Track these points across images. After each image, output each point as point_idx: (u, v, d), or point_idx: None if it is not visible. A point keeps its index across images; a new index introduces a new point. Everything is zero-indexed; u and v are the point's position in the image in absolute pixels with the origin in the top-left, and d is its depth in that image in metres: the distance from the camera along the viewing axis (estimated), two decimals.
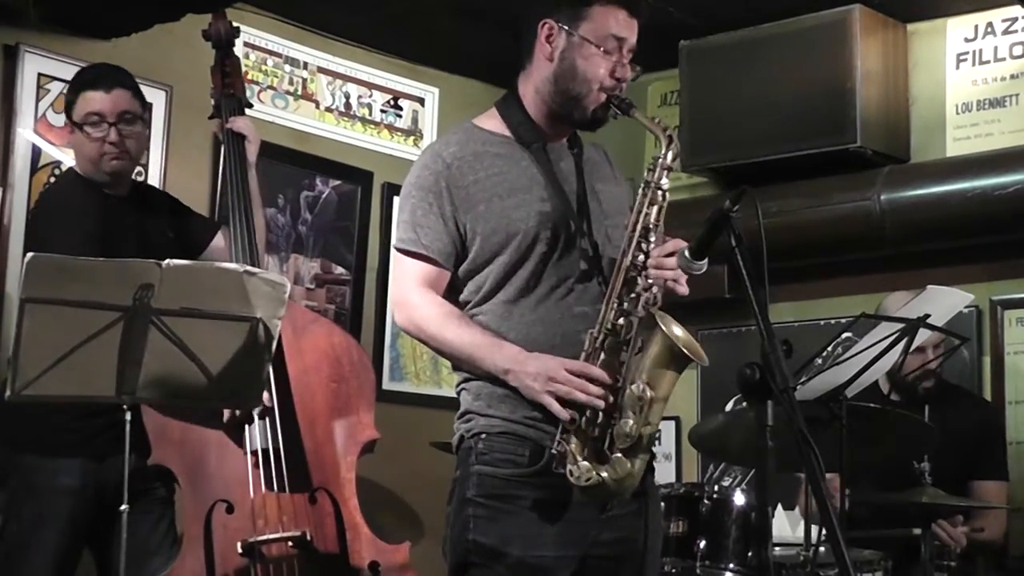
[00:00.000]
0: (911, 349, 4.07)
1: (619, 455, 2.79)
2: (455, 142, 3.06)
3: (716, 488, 4.17)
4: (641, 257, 2.88)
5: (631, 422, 2.78)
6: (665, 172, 2.94)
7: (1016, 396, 5.24)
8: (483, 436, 2.92)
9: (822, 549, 3.76)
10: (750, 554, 4.01)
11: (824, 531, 2.50)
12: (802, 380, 3.89)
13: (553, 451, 2.82)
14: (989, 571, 5.02)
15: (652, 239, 2.90)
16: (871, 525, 4.38)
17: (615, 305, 2.86)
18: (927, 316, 3.93)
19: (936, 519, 4.18)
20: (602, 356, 2.85)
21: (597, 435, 2.81)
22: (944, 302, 4.07)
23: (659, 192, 2.92)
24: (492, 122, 3.10)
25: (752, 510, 4.02)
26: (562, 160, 3.06)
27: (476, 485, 2.90)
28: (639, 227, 2.90)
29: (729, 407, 4.89)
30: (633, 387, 2.80)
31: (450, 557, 2.94)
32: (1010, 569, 5.13)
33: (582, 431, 2.81)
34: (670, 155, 2.94)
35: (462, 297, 3.00)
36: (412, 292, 2.99)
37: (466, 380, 2.98)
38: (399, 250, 3.03)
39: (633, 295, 2.86)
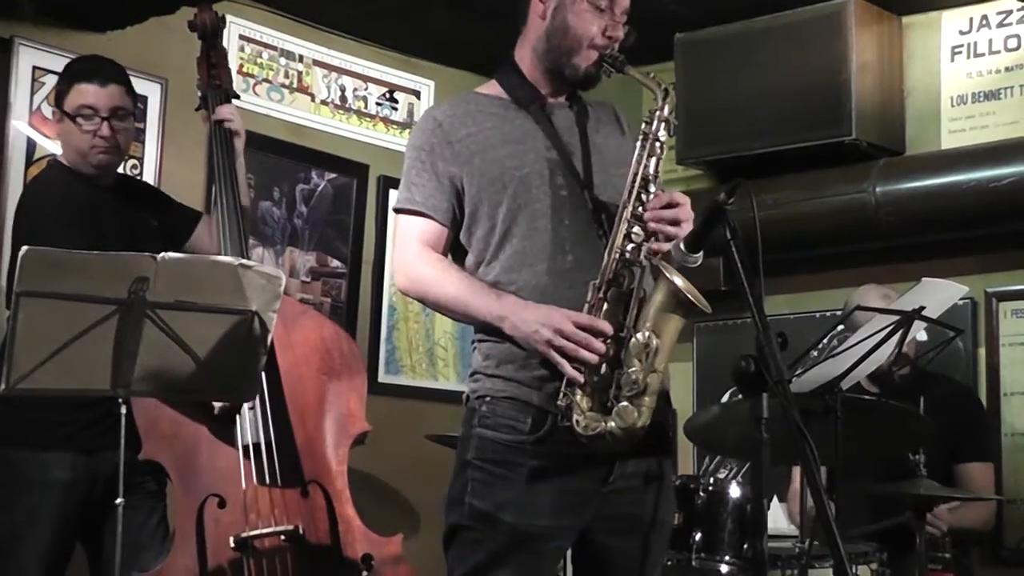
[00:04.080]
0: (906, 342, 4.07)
1: (625, 403, 2.79)
2: (448, 103, 3.13)
3: (712, 480, 4.17)
4: (641, 208, 2.89)
5: (637, 369, 2.79)
6: (663, 124, 2.96)
7: (1011, 388, 5.25)
8: (487, 399, 2.93)
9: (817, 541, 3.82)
10: (745, 546, 4.01)
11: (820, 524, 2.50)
12: (797, 372, 3.89)
13: (559, 403, 2.82)
14: (984, 562, 5.03)
15: (652, 190, 2.91)
16: (866, 519, 4.39)
17: (617, 255, 2.87)
18: (922, 308, 3.93)
19: (931, 511, 4.18)
20: (605, 306, 2.85)
21: (603, 385, 2.82)
22: (939, 294, 4.07)
23: (657, 144, 2.95)
24: (490, 88, 3.15)
25: (747, 502, 4.02)
26: (560, 116, 3.08)
27: (476, 448, 2.91)
28: (639, 178, 2.92)
29: (724, 399, 4.89)
30: (638, 335, 2.81)
31: (446, 517, 2.95)
32: (1005, 560, 5.14)
33: (588, 382, 2.82)
34: (667, 107, 2.97)
35: (470, 258, 3.00)
36: (410, 251, 3.00)
37: (480, 340, 2.98)
38: (397, 211, 3.06)
39: (634, 245, 2.87)
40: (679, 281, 2.80)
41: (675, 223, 2.87)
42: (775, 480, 4.84)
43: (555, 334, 2.81)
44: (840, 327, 4.31)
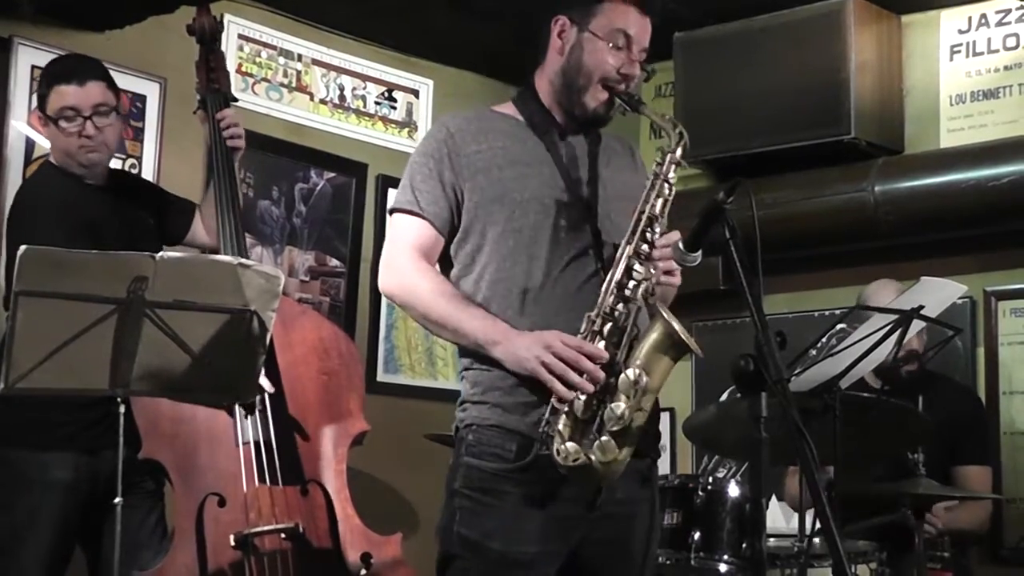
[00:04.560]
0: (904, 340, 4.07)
1: (608, 438, 2.78)
2: (464, 116, 3.10)
3: (710, 479, 4.17)
4: (644, 246, 2.89)
5: (623, 406, 2.77)
6: (673, 166, 2.96)
7: (1009, 387, 5.25)
8: (473, 428, 2.92)
9: (816, 540, 3.81)
10: (744, 545, 4.01)
11: (818, 522, 2.50)
12: (796, 371, 3.89)
13: (540, 431, 2.81)
14: (983, 561, 5.03)
15: (656, 229, 2.91)
16: (865, 518, 4.39)
17: (615, 291, 2.87)
18: (921, 307, 3.93)
19: (930, 510, 4.18)
20: (599, 339, 2.85)
21: (587, 417, 2.81)
22: (938, 293, 4.07)
23: (666, 185, 2.95)
24: (507, 108, 3.13)
25: (746, 501, 4.02)
26: (573, 146, 3.07)
27: (463, 477, 2.91)
28: (644, 217, 2.91)
29: (723, 398, 4.89)
30: (629, 372, 2.80)
31: (439, 545, 2.95)
32: (1003, 559, 5.14)
33: (572, 412, 2.80)
34: (679, 150, 2.97)
35: (455, 271, 3.00)
36: (405, 256, 2.98)
37: (467, 368, 2.98)
38: (395, 211, 3.03)
39: (634, 283, 2.87)
40: (675, 323, 2.81)
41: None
42: (774, 479, 4.85)
43: (545, 350, 2.80)
44: (840, 325, 4.30)
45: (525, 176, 2.98)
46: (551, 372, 2.79)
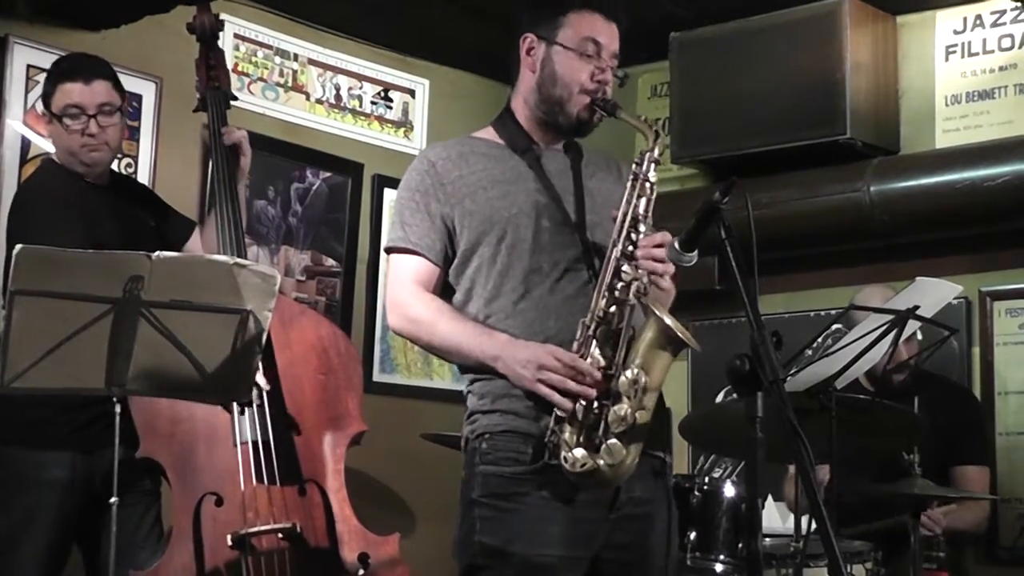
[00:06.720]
0: (900, 341, 4.07)
1: (614, 441, 2.79)
2: (443, 145, 3.15)
3: (706, 479, 4.17)
4: (631, 247, 2.91)
5: (625, 406, 2.80)
6: (653, 165, 2.98)
7: (1005, 387, 5.25)
8: (486, 436, 2.94)
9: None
10: (740, 545, 4.02)
11: (814, 522, 2.50)
12: (792, 371, 3.89)
13: (547, 440, 2.83)
14: (979, 561, 5.03)
15: (642, 229, 2.93)
16: (861, 518, 4.39)
17: (606, 294, 2.89)
18: (916, 307, 3.93)
19: (925, 510, 4.19)
20: (594, 344, 2.86)
21: (591, 422, 2.82)
22: (933, 293, 4.07)
23: (647, 184, 2.97)
24: (486, 133, 3.17)
25: (742, 501, 4.02)
26: (555, 162, 3.11)
27: (481, 485, 2.92)
28: (628, 218, 2.93)
29: (719, 398, 4.89)
30: (628, 372, 2.82)
31: (459, 561, 2.95)
32: (999, 558, 5.14)
33: (576, 419, 2.82)
34: (657, 149, 2.99)
35: (458, 296, 3.04)
36: (404, 291, 3.03)
37: (472, 382, 3.00)
38: (389, 250, 3.09)
39: (624, 284, 2.88)
40: (668, 319, 2.82)
41: (664, 261, 2.88)
42: (770, 479, 4.85)
43: (540, 370, 2.83)
44: (836, 326, 4.30)
45: (511, 193, 3.01)
46: (548, 387, 2.82)
